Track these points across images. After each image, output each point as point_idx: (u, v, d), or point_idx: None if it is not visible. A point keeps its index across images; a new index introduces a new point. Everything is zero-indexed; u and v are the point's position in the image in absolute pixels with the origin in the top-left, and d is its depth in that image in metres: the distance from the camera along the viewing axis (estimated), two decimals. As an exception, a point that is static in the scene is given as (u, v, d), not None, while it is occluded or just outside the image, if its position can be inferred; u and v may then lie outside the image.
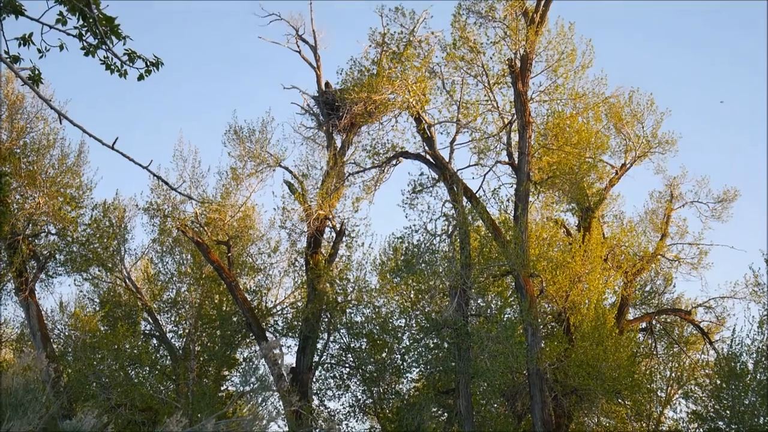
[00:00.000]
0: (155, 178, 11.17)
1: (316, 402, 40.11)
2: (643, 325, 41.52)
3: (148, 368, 39.53)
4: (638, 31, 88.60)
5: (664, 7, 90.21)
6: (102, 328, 40.22)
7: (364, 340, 40.02)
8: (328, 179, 37.37)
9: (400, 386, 40.51)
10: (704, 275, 41.81)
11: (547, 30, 36.60)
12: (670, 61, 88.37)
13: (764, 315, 35.39)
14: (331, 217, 38.20)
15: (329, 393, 40.96)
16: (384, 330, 39.19)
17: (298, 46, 40.47)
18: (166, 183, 11.97)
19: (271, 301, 41.39)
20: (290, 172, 38.50)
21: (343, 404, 41.12)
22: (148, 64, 11.97)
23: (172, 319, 41.11)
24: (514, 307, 35.99)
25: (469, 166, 38.27)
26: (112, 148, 10.48)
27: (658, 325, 42.03)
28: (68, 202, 37.02)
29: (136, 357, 38.21)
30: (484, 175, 37.92)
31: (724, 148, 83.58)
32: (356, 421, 41.21)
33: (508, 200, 37.18)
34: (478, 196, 37.04)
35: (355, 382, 40.81)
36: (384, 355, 39.72)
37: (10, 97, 36.50)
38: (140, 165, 10.87)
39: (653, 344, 41.42)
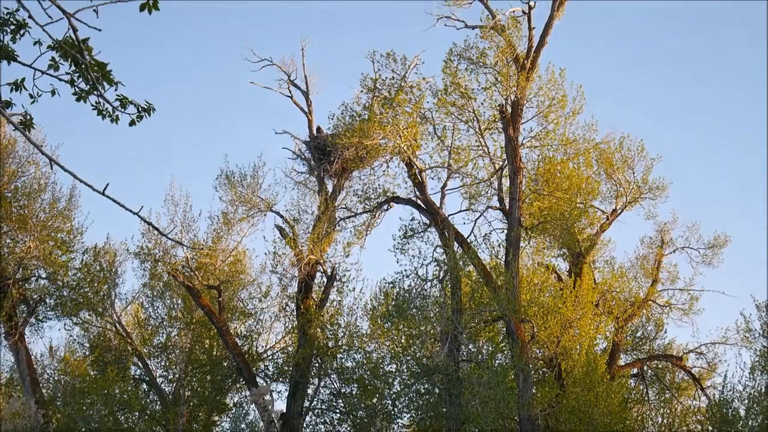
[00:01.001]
0: (146, 223, 11.11)
1: (306, 448, 39.88)
2: (635, 370, 41.41)
3: (137, 413, 39.32)
4: (629, 77, 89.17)
5: (655, 53, 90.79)
6: (92, 373, 40.06)
7: (355, 385, 39.85)
8: (319, 224, 37.38)
9: (391, 432, 40.31)
10: (695, 321, 41.70)
11: (538, 76, 36.76)
12: (661, 106, 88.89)
13: (756, 361, 35.36)
14: (322, 262, 38.19)
15: (320, 439, 40.72)
16: (375, 375, 39.05)
17: (290, 91, 40.68)
18: (157, 229, 11.94)
19: (262, 346, 41.28)
20: (281, 216, 38.57)
21: (333, 450, 40.90)
22: (140, 109, 11.98)
23: (163, 363, 40.97)
24: (505, 352, 35.91)
25: (460, 211, 38.35)
26: (103, 194, 10.47)
27: (649, 371, 41.91)
28: (59, 246, 37.00)
29: (126, 402, 38.03)
30: (475, 221, 37.99)
31: (715, 193, 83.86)
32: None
33: (499, 245, 37.23)
34: (469, 241, 37.06)
35: (346, 428, 40.56)
36: (375, 400, 39.52)
37: (2, 141, 36.55)
38: (131, 211, 10.86)
39: (645, 390, 41.30)
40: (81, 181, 10.69)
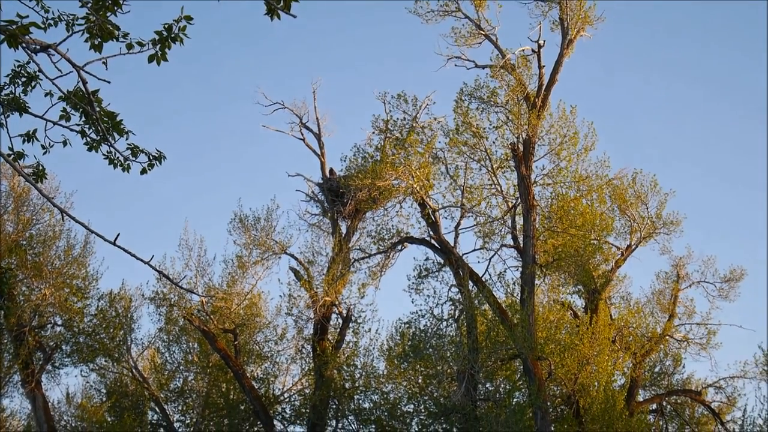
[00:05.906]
0: (157, 272, 11.14)
1: (325, 491, 39.68)
2: (654, 406, 41.18)
3: (155, 459, 39.25)
4: (641, 112, 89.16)
5: (666, 86, 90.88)
6: (109, 419, 40.01)
7: (373, 426, 39.66)
8: (333, 266, 37.39)
9: (410, 473, 40.07)
10: (713, 355, 41.42)
11: (549, 114, 36.82)
12: (673, 139, 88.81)
13: (775, 394, 35.12)
14: (337, 303, 38.15)
15: (338, 481, 40.54)
16: (392, 416, 38.88)
17: (302, 134, 40.80)
18: (168, 278, 11.98)
19: (279, 389, 41.17)
20: (296, 259, 38.60)
21: (352, 493, 40.69)
22: (151, 158, 12.06)
23: (180, 408, 40.90)
24: (523, 390, 35.76)
25: (475, 250, 38.30)
26: (114, 243, 10.52)
27: (668, 407, 41.67)
28: (74, 293, 37.06)
29: (144, 448, 37.96)
30: (490, 259, 37.96)
31: (729, 227, 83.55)
32: None
33: (514, 283, 37.18)
34: (483, 280, 37.01)
35: (365, 469, 40.40)
36: (393, 441, 39.37)
37: (16, 189, 36.73)
38: (142, 260, 10.90)
39: (664, 426, 41.04)
40: (92, 231, 10.76)
